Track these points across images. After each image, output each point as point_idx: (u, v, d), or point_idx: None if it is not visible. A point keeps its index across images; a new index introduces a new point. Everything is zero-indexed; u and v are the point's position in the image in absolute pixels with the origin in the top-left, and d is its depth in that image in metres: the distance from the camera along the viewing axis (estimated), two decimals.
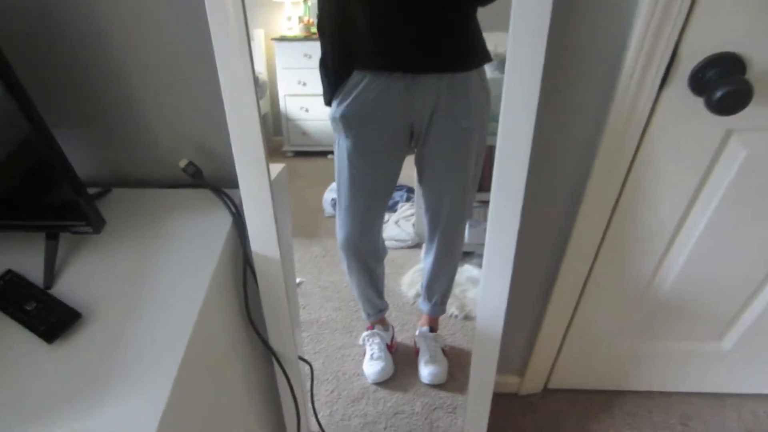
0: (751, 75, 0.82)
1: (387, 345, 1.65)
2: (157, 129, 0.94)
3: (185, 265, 0.82)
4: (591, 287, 1.21)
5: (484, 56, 1.07)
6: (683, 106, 0.88)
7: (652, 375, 1.46)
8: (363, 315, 1.67)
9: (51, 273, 0.82)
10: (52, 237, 0.84)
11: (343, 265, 1.50)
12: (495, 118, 0.77)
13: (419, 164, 1.27)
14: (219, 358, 0.85)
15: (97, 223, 0.82)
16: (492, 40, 1.09)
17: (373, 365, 1.59)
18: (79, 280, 0.81)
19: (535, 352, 1.36)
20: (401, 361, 1.67)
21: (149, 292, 0.79)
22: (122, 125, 0.93)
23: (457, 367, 1.63)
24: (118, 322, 0.75)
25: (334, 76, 1.11)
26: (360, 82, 1.08)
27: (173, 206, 0.92)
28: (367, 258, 1.46)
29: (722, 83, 0.78)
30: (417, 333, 1.68)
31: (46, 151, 0.73)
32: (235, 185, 0.89)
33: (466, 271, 1.99)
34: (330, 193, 2.29)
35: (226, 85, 0.74)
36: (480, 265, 1.99)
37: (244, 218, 0.87)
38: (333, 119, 1.17)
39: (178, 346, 0.72)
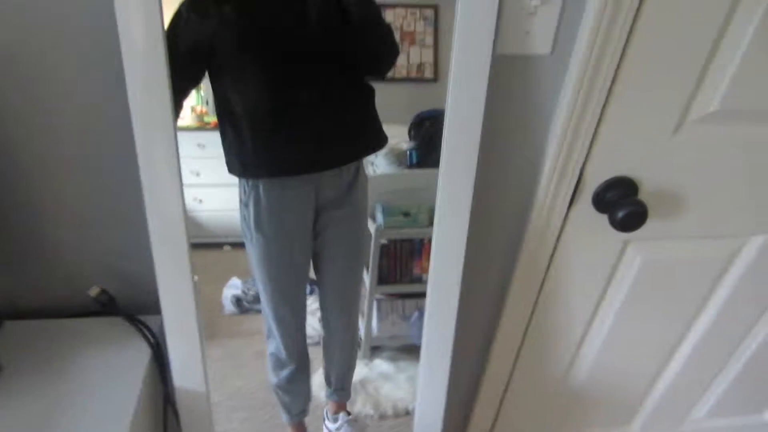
0: (642, 195, 0.94)
1: None
2: (61, 248, 0.85)
3: (99, 413, 0.72)
4: (516, 380, 1.25)
5: (379, 140, 1.11)
6: (588, 221, 0.97)
7: None
8: (285, 417, 1.55)
9: None
10: None
11: (272, 369, 1.43)
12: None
13: (315, 254, 1.26)
14: None
15: None
16: (388, 132, 1.15)
17: None
18: None
19: None
20: None
21: None
22: (18, 243, 0.83)
23: None
24: None
25: (242, 169, 1.07)
26: (264, 185, 1.07)
27: (81, 339, 0.82)
28: (303, 351, 1.42)
29: (623, 205, 0.88)
30: (335, 422, 1.60)
31: None
32: (151, 311, 0.83)
33: (376, 366, 1.96)
34: (229, 290, 2.17)
35: (149, 186, 0.69)
36: (390, 359, 1.97)
37: (164, 349, 0.80)
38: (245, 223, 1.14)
39: None
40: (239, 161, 1.05)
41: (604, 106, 0.83)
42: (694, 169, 0.93)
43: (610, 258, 1.05)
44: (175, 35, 0.75)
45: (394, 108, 1.17)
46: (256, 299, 1.90)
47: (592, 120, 0.83)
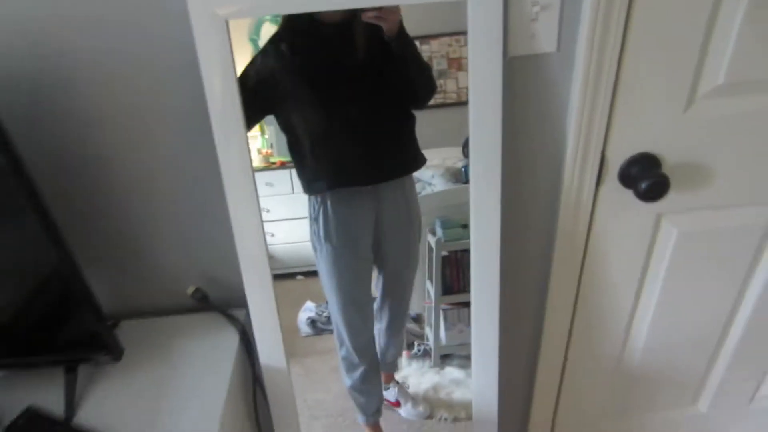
0: (666, 168, 1.01)
1: None
2: (165, 261, 1.04)
3: (199, 389, 0.88)
4: (570, 367, 1.31)
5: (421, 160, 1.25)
6: (618, 197, 1.05)
7: None
8: (361, 419, 1.67)
9: (71, 405, 0.86)
10: (71, 369, 0.90)
11: (346, 372, 1.57)
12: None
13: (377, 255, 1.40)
14: None
15: (116, 353, 0.89)
16: (442, 154, 1.27)
17: None
18: (98, 410, 0.86)
19: None
20: None
21: (166, 418, 0.84)
22: (131, 255, 1.03)
23: None
24: None
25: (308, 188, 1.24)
26: (331, 198, 1.23)
27: (182, 331, 1.00)
28: (370, 349, 1.56)
29: (645, 177, 0.96)
30: (387, 390, 1.73)
31: (73, 283, 0.81)
32: (238, 306, 0.99)
33: (447, 374, 2.04)
34: (304, 313, 2.33)
35: (236, 217, 0.87)
36: (460, 366, 2.05)
37: (250, 336, 0.95)
38: (314, 237, 1.30)
39: None
40: (306, 180, 1.22)
41: (614, 92, 0.93)
42: (711, 140, 1.00)
43: (646, 232, 1.11)
44: (247, 77, 0.93)
45: (448, 130, 1.28)
46: (329, 321, 2.04)
47: (605, 104, 0.93)
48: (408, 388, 1.76)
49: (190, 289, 1.01)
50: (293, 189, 1.32)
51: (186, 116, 0.88)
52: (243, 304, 0.97)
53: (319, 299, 2.18)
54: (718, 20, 0.89)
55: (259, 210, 0.89)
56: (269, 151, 1.93)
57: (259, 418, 1.01)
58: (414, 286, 1.56)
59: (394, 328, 1.60)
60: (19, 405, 0.87)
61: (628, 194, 1.02)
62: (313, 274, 1.42)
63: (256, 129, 1.29)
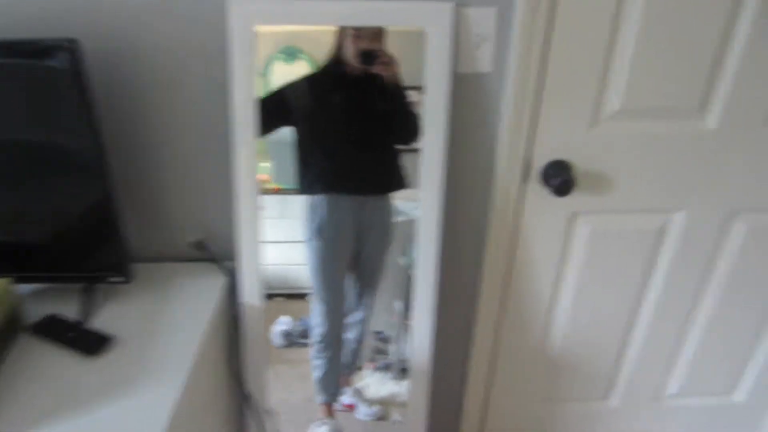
0: (576, 173, 1.28)
1: None
2: (176, 212, 1.26)
3: (190, 311, 1.10)
4: (501, 357, 1.53)
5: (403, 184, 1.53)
6: (539, 195, 1.31)
7: None
8: (321, 399, 1.85)
9: (87, 313, 1.07)
10: (89, 288, 1.10)
11: (315, 353, 1.77)
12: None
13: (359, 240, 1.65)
14: (206, 388, 1.09)
15: (129, 279, 1.10)
16: None
17: None
18: (106, 321, 1.07)
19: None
20: None
21: (161, 331, 1.06)
22: (150, 206, 1.25)
23: None
24: (138, 349, 1.02)
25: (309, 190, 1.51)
26: (325, 201, 1.49)
27: (180, 273, 1.22)
28: (340, 333, 1.76)
29: (557, 176, 1.23)
30: (346, 394, 1.86)
31: (110, 215, 1.03)
32: (230, 259, 1.22)
33: (406, 384, 2.22)
34: (279, 326, 2.51)
35: (238, 176, 1.11)
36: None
37: (235, 281, 1.18)
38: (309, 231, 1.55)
39: (181, 371, 0.97)
40: (306, 181, 1.49)
41: (536, 106, 1.21)
42: (611, 155, 1.28)
43: (564, 229, 1.37)
44: (271, 102, 1.20)
45: None
46: (301, 335, 2.25)
47: (528, 116, 1.21)
48: (364, 393, 1.93)
49: (191, 240, 1.24)
50: (282, 214, 1.55)
51: (206, 90, 1.14)
52: (233, 257, 1.20)
53: (296, 316, 2.38)
54: (614, 56, 1.18)
55: (255, 172, 1.13)
56: (269, 177, 2.19)
57: (234, 355, 1.21)
58: (379, 296, 1.77)
59: (364, 320, 1.83)
60: (42, 310, 1.08)
61: (547, 192, 1.29)
62: (293, 296, 1.66)
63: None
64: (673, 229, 1.40)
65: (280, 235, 1.51)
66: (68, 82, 0.91)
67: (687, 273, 1.46)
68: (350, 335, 1.86)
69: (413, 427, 1.36)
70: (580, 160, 1.28)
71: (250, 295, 1.19)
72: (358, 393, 1.89)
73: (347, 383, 1.91)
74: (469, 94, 1.20)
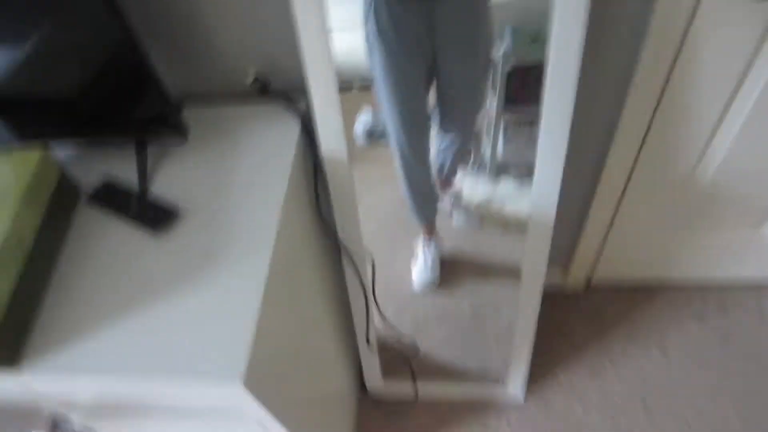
0: None
1: (440, 257, 1.74)
2: (224, 43, 0.98)
3: (264, 168, 0.90)
4: (636, 179, 1.27)
5: None
6: None
7: (692, 265, 1.53)
8: (417, 219, 1.74)
9: (144, 180, 0.90)
10: (141, 148, 0.92)
11: (402, 177, 1.59)
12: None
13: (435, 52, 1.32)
14: (297, 251, 0.94)
15: (182, 132, 0.90)
16: None
17: (424, 275, 1.68)
18: (171, 184, 0.90)
19: (579, 248, 1.44)
20: (445, 266, 1.76)
21: (234, 194, 0.87)
22: (189, 40, 0.98)
23: (500, 273, 1.72)
24: (211, 217, 0.84)
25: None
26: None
27: (243, 119, 0.99)
28: (424, 156, 1.55)
29: None
30: (445, 200, 1.74)
31: (134, 59, 0.79)
32: (299, 93, 0.95)
33: (502, 188, 2.04)
34: (360, 124, 2.32)
35: None
36: (515, 180, 2.04)
37: (312, 124, 0.93)
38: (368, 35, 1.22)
39: (268, 237, 0.80)
40: None
41: None
42: None
43: (750, 44, 0.97)
44: None
45: None
46: (384, 133, 2.04)
47: None
48: (462, 198, 1.77)
49: (250, 77, 0.98)
50: None
51: None
52: (303, 94, 0.94)
53: (376, 109, 2.15)
54: None
55: None
56: None
57: (321, 206, 1.04)
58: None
59: (455, 147, 1.58)
60: (94, 178, 0.92)
61: None
62: (369, 88, 1.37)
63: None
64: None
65: (345, 22, 1.20)
66: None
67: None
68: (443, 154, 1.64)
69: (530, 285, 1.20)
70: None
71: (331, 143, 0.95)
72: (457, 200, 1.74)
73: (443, 186, 1.76)
74: None
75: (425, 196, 1.69)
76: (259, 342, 0.70)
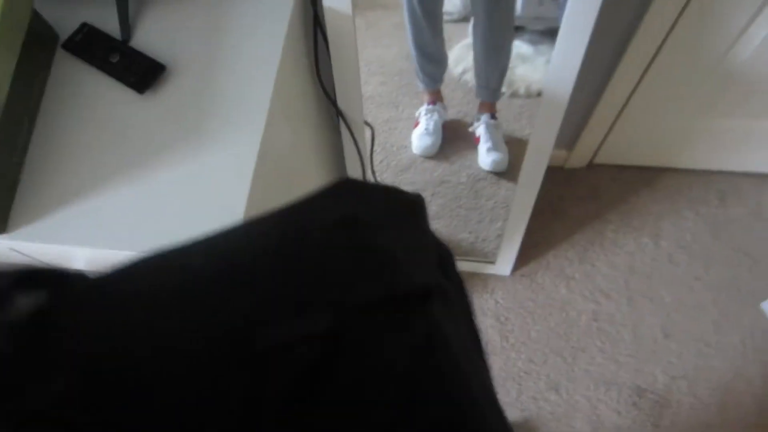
0: None
1: (443, 123, 1.67)
2: None
3: (259, 19, 0.80)
4: (661, 58, 1.17)
5: None
6: None
7: (699, 153, 1.49)
8: (420, 84, 1.64)
9: (127, 24, 0.81)
10: None
11: (410, 31, 1.46)
12: None
13: None
14: (294, 115, 0.88)
15: None
16: None
17: (424, 139, 1.63)
18: (156, 33, 0.81)
19: (588, 125, 1.38)
20: (447, 136, 1.70)
21: (227, 46, 0.79)
22: None
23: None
24: (202, 74, 0.77)
25: None
26: None
27: None
28: (434, 12, 1.43)
29: None
30: (477, 121, 1.65)
31: None
32: None
33: (515, 47, 1.90)
34: None
35: None
36: (530, 42, 1.89)
37: None
38: None
39: (263, 96, 0.74)
40: None
41: None
42: None
43: None
44: None
45: None
46: None
47: None
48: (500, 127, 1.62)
49: None
50: None
51: None
52: None
53: None
54: None
55: None
56: None
57: (320, 69, 0.96)
58: None
59: (492, 44, 1.40)
60: (72, 19, 0.83)
61: None
62: None
63: None
64: None
65: None
66: None
67: None
68: (479, 57, 1.48)
69: (533, 164, 1.15)
70: None
71: None
72: (492, 130, 1.61)
73: (483, 108, 1.64)
74: None
75: (431, 56, 1.58)
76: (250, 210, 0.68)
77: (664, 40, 1.12)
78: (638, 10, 1.07)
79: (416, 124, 1.68)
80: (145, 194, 0.69)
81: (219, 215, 0.66)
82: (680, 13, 1.05)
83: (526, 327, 1.41)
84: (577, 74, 0.90)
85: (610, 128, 1.41)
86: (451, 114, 1.74)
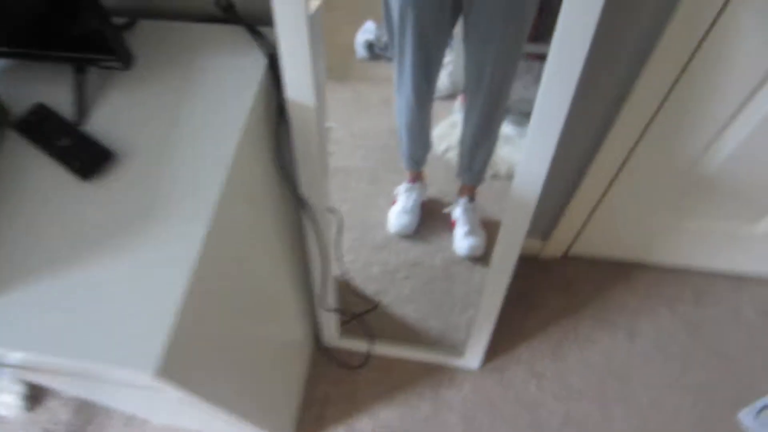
0: None
1: (421, 202, 1.65)
2: None
3: (219, 107, 0.79)
4: (636, 158, 1.17)
5: None
6: None
7: (675, 251, 1.47)
8: (405, 164, 1.61)
9: (81, 109, 0.79)
10: (81, 71, 0.81)
11: (399, 106, 1.44)
12: None
13: (466, 9, 1.16)
14: (251, 202, 0.85)
15: (125, 58, 0.78)
16: None
17: (402, 218, 1.60)
18: (111, 117, 0.79)
19: (563, 218, 1.36)
20: (425, 214, 1.67)
21: (183, 132, 0.77)
22: None
23: (482, 227, 1.64)
24: (153, 161, 0.74)
25: None
26: None
27: (205, 43, 0.86)
28: (426, 99, 1.41)
29: None
30: (454, 205, 1.64)
31: None
32: (270, 23, 0.83)
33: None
34: (363, 34, 2.13)
35: None
36: (515, 123, 1.90)
37: (276, 59, 0.81)
38: None
39: (216, 184, 0.71)
40: None
41: None
42: None
43: None
44: None
45: None
46: (386, 48, 1.85)
47: None
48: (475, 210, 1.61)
49: None
50: None
51: None
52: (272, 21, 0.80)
53: (381, 19, 1.96)
54: None
55: None
56: None
57: (283, 158, 0.94)
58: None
59: (484, 129, 1.38)
60: (27, 99, 0.81)
61: None
62: None
63: None
64: None
65: None
66: None
67: None
68: (467, 139, 1.48)
69: (505, 255, 1.12)
70: None
71: (298, 88, 0.83)
72: (469, 214, 1.59)
73: (464, 192, 1.62)
74: None
75: (419, 141, 1.56)
76: (185, 320, 0.62)
77: (637, 142, 1.13)
78: (612, 111, 1.08)
79: (394, 202, 1.66)
80: (66, 292, 0.64)
81: (136, 336, 0.61)
82: (656, 112, 1.05)
83: (495, 427, 1.33)
84: (548, 165, 0.88)
85: (586, 221, 1.40)
86: (431, 192, 1.72)
